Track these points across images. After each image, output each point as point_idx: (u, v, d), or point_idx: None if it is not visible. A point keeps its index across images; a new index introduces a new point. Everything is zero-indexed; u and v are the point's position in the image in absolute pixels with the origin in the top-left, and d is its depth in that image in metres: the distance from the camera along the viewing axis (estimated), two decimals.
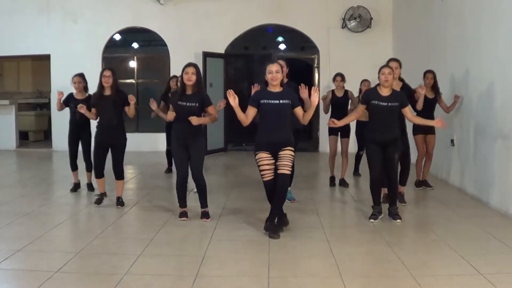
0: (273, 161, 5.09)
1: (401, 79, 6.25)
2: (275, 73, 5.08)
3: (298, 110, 5.17)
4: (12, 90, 14.68)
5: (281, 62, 5.63)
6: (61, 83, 9.33)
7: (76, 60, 11.20)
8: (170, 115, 5.60)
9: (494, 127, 6.22)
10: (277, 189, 5.05)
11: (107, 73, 6.12)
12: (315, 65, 12.08)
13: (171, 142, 5.79)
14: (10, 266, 4.21)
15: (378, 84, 5.61)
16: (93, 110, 6.29)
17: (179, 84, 6.14)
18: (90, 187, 7.19)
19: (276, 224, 5.13)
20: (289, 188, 6.02)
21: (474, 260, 4.31)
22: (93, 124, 6.52)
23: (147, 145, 11.54)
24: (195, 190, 5.93)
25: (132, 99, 6.13)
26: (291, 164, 5.10)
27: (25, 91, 14.75)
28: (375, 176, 5.59)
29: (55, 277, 3.95)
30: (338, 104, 7.67)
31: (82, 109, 6.24)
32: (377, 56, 10.11)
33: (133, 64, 12.75)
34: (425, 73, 7.22)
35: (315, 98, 5.07)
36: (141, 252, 4.57)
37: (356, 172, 8.54)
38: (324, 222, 5.63)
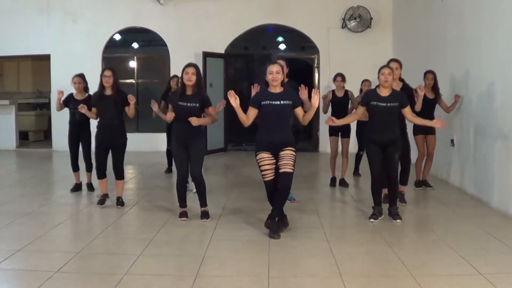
0: (274, 161, 5.09)
1: (401, 80, 6.24)
2: (275, 74, 5.08)
3: (299, 111, 5.17)
4: (12, 90, 14.67)
5: (281, 62, 5.62)
6: (61, 83, 9.32)
7: (76, 60, 11.21)
8: (169, 116, 5.60)
9: (494, 127, 6.22)
10: (280, 188, 5.04)
11: (108, 73, 6.12)
12: (315, 65, 12.08)
13: (171, 142, 5.79)
14: (10, 266, 4.21)
15: (378, 85, 5.62)
16: (94, 110, 6.30)
17: (179, 84, 6.15)
18: (90, 187, 7.19)
19: (276, 222, 5.12)
20: None
21: (474, 260, 4.31)
22: (93, 124, 6.53)
23: (147, 145, 11.52)
24: (194, 190, 5.94)
25: (131, 99, 6.13)
26: (293, 162, 5.09)
27: (25, 91, 14.75)
28: (376, 176, 5.59)
29: (55, 277, 3.95)
30: (338, 104, 7.67)
31: (83, 109, 6.24)
32: (377, 56, 10.14)
33: (133, 64, 12.75)
34: (425, 74, 7.21)
35: (315, 101, 5.06)
36: (141, 252, 4.57)
37: (356, 172, 8.55)
38: (324, 222, 5.63)
